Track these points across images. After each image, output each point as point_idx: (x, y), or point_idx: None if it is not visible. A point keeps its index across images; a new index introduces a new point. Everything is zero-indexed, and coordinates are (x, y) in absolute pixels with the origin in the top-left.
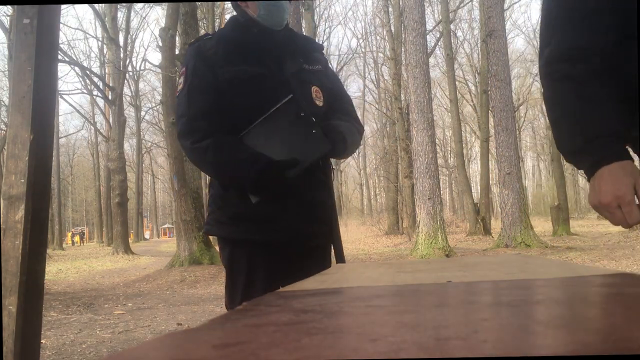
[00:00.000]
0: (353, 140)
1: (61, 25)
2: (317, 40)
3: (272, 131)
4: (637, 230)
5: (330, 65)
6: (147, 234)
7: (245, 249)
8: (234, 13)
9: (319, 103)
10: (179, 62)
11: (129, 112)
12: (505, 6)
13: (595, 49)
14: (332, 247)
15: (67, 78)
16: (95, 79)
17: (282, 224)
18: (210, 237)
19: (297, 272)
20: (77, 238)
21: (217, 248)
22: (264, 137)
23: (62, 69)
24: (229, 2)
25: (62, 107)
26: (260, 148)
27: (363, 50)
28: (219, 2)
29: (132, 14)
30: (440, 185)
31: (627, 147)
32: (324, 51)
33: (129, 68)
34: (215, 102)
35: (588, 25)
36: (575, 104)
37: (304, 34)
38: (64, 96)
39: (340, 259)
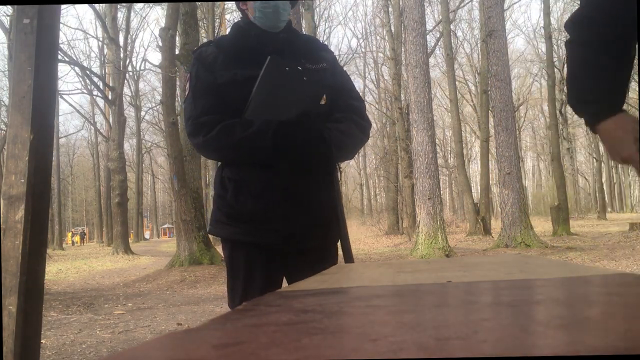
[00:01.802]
0: (343, 143)
1: (61, 25)
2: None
3: (269, 96)
4: (637, 231)
5: (338, 63)
6: (147, 234)
7: (243, 250)
8: (235, 13)
9: (322, 101)
10: (179, 62)
11: (129, 112)
12: (505, 6)
13: (604, 18)
14: (341, 247)
15: (67, 78)
16: (95, 79)
17: (278, 226)
18: (211, 237)
19: (296, 273)
20: (77, 238)
21: (217, 248)
22: (263, 104)
23: (62, 69)
24: (229, 2)
25: (62, 107)
26: (265, 115)
27: (363, 50)
28: (219, 2)
29: (132, 14)
30: (440, 185)
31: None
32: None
33: (129, 68)
34: (218, 103)
35: None
36: (580, 70)
37: (305, 33)
38: (64, 96)
39: (349, 259)
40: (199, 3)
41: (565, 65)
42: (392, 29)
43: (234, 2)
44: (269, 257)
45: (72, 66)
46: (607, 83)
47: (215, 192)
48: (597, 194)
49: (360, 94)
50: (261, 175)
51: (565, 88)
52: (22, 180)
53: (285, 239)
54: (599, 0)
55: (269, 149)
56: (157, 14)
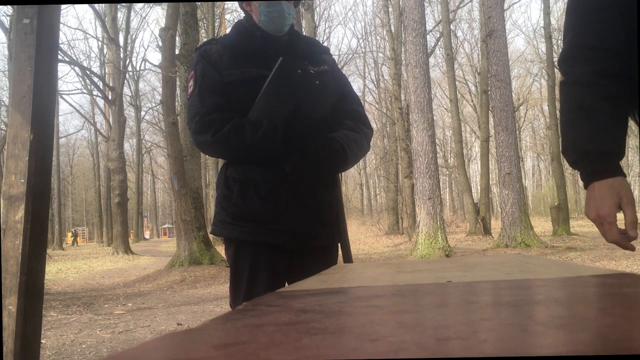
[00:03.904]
0: (355, 154)
1: (61, 25)
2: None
3: (277, 97)
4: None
5: (338, 67)
6: (147, 234)
7: (249, 249)
8: (235, 13)
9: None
10: (178, 62)
11: (129, 112)
12: (505, 6)
13: (604, 47)
14: (340, 247)
15: (67, 78)
16: (95, 79)
17: (285, 226)
18: (211, 237)
19: (300, 273)
20: (74, 238)
21: (217, 248)
22: (271, 105)
23: (62, 69)
24: (229, 2)
25: (62, 107)
26: (272, 116)
27: (363, 50)
28: (219, 2)
29: (132, 14)
30: (440, 185)
31: (619, 162)
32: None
33: (129, 68)
34: (224, 101)
35: (598, 22)
36: (576, 115)
37: (305, 35)
38: (64, 96)
39: (348, 259)
40: (199, 3)
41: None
42: (392, 29)
43: (233, 2)
44: (274, 257)
45: (72, 66)
46: (606, 135)
47: (219, 192)
48: None
49: (360, 94)
50: (267, 175)
51: None
52: (22, 180)
53: (293, 239)
54: (590, 28)
55: (280, 150)
56: (157, 14)
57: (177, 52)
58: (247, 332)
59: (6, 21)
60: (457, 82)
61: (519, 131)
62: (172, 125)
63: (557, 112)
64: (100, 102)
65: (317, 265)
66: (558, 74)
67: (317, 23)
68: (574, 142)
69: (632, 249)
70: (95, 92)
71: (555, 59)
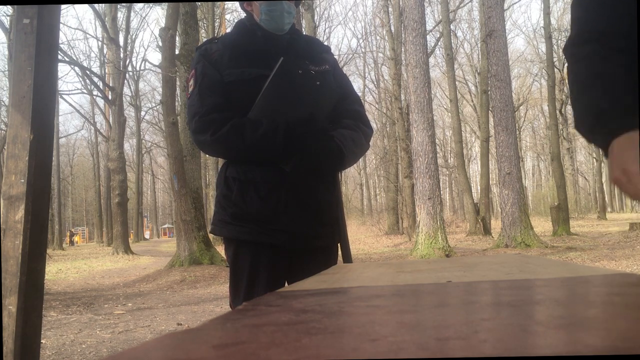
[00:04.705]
0: (353, 153)
1: (61, 25)
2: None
3: (277, 97)
4: (637, 231)
5: (339, 66)
6: (147, 234)
7: (249, 249)
8: (235, 13)
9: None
10: (178, 62)
11: (129, 112)
12: (505, 6)
13: (613, 31)
14: (340, 248)
15: (67, 78)
16: (95, 79)
17: (285, 226)
18: (211, 237)
19: (300, 273)
20: (76, 238)
21: (217, 248)
22: (271, 105)
23: (62, 69)
24: (229, 3)
25: (62, 107)
26: (272, 116)
27: (363, 50)
28: (219, 2)
29: (132, 14)
30: (440, 185)
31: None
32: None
33: (129, 68)
34: (225, 101)
35: (606, 8)
36: (588, 81)
37: (306, 34)
38: (64, 96)
39: (348, 259)
40: (199, 3)
41: (569, 91)
42: (392, 29)
43: (233, 2)
44: (274, 257)
45: (72, 66)
46: (622, 92)
47: (218, 192)
48: (597, 194)
49: (360, 94)
50: (267, 175)
51: (565, 88)
52: (22, 180)
53: (293, 239)
54: (598, 14)
55: (279, 150)
56: (157, 14)
57: (177, 52)
58: (247, 332)
59: (6, 21)
60: (457, 82)
61: (519, 131)
62: (172, 125)
63: (557, 112)
64: (100, 102)
65: (317, 265)
66: (558, 74)
67: (317, 23)
68: (588, 105)
69: None
70: (95, 92)
71: (556, 59)
